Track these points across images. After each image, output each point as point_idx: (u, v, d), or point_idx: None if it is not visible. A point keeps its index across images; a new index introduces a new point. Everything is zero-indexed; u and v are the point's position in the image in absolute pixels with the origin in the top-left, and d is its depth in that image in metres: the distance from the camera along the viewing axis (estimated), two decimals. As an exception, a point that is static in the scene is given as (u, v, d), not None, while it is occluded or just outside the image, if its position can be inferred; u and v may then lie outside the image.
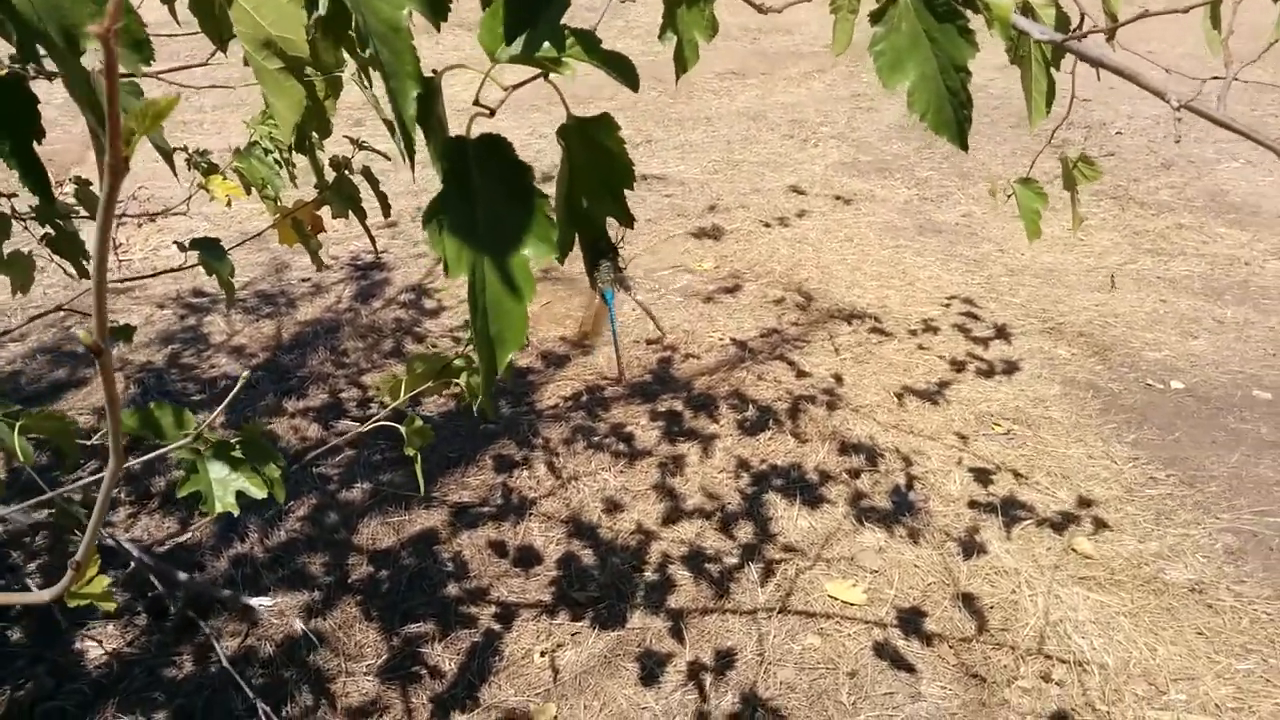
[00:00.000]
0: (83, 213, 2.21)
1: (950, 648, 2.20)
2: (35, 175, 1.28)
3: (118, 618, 2.28)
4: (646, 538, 2.56)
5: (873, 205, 4.95)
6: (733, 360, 3.43)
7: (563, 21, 0.79)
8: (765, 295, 3.95)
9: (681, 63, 1.54)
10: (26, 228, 2.03)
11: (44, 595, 0.67)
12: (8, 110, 1.21)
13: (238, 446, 1.39)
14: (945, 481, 2.76)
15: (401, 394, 1.60)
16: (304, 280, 4.16)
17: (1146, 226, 4.58)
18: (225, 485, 1.37)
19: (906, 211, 4.86)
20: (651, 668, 2.18)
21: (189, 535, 2.57)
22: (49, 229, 2.06)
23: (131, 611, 2.30)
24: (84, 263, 2.14)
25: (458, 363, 1.65)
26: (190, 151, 2.44)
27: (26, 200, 2.03)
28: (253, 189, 2.28)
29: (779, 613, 2.31)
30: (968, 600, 2.33)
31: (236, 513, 1.37)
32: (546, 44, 0.74)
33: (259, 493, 1.37)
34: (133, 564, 2.08)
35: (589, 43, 0.75)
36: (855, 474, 2.81)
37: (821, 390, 3.24)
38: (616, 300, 3.51)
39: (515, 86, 0.85)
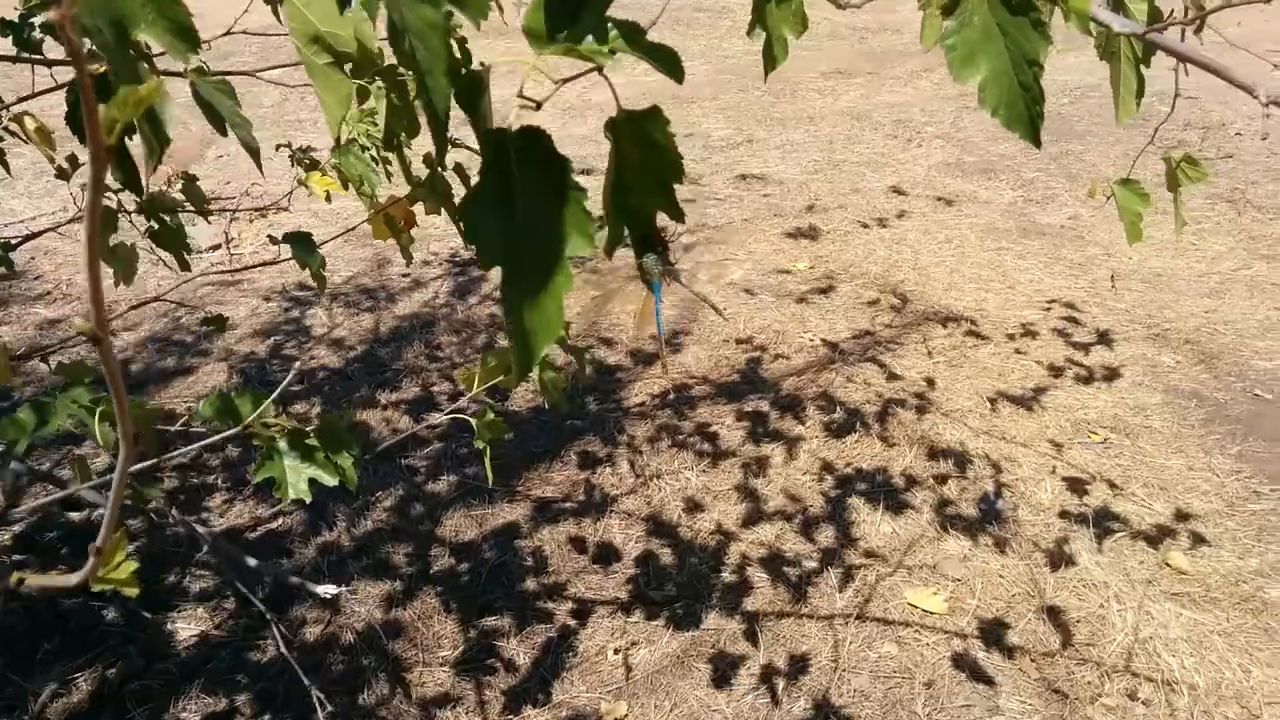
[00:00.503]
0: (189, 208, 2.31)
1: (1032, 661, 2.11)
2: (126, 168, 1.34)
3: (206, 601, 2.37)
4: (726, 539, 2.54)
5: (975, 207, 4.81)
6: (822, 361, 3.38)
7: (609, 12, 0.78)
8: (859, 296, 3.88)
9: (770, 59, 1.52)
10: (132, 221, 2.12)
11: (71, 580, 0.69)
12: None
13: (312, 435, 1.43)
14: (1036, 490, 2.66)
15: (474, 387, 1.62)
16: (403, 275, 4.26)
17: (1263, 231, 4.33)
18: (298, 472, 1.40)
19: (1010, 213, 4.71)
20: (724, 670, 2.16)
21: (279, 523, 2.65)
22: (153, 223, 2.16)
23: (221, 595, 2.39)
24: (185, 255, 2.23)
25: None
26: (294, 149, 2.53)
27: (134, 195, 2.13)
28: (350, 185, 2.34)
29: (856, 619, 2.27)
30: (1053, 613, 2.24)
31: (308, 499, 1.41)
32: (590, 37, 0.73)
33: (330, 480, 1.41)
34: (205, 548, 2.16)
35: (631, 34, 0.74)
36: (942, 480, 2.73)
37: (912, 394, 3.16)
38: (670, 293, 3.49)
39: (565, 80, 0.84)
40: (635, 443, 2.94)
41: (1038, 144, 0.94)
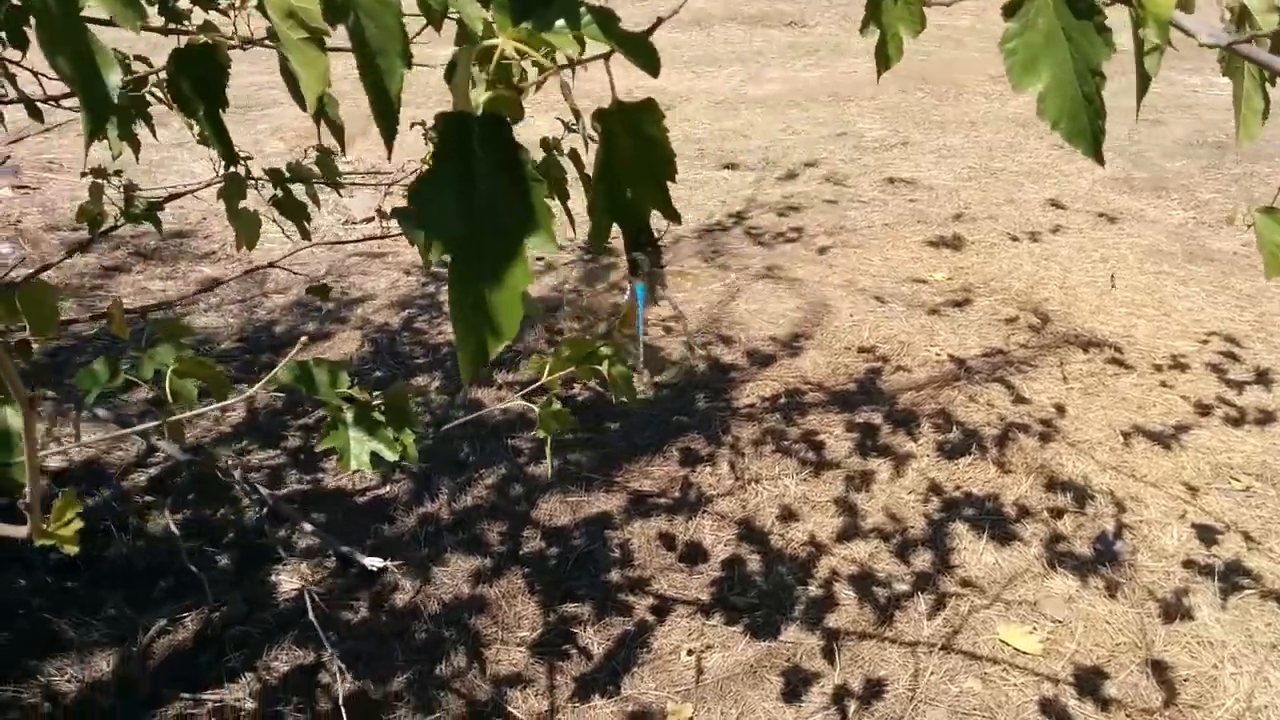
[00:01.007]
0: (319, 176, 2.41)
1: (1128, 717, 1.97)
2: (223, 137, 1.41)
3: (310, 558, 2.48)
4: (817, 551, 2.48)
5: (1139, 226, 4.53)
6: (946, 378, 3.25)
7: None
8: (996, 312, 3.71)
9: (884, 59, 1.46)
10: (258, 188, 2.21)
11: (20, 531, 0.73)
12: (202, 77, 1.32)
13: (379, 409, 1.47)
14: (1160, 535, 2.48)
15: (546, 375, 1.63)
16: (538, 259, 4.33)
17: None
18: (362, 444, 1.45)
19: (1178, 235, 4.41)
20: (796, 685, 2.11)
21: (387, 489, 2.75)
22: (278, 190, 2.26)
23: (323, 554, 2.49)
24: (306, 224, 2.33)
25: (603, 350, 1.66)
26: (426, 126, 2.60)
27: (262, 163, 2.23)
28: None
29: (941, 649, 2.17)
30: (1159, 668, 2.08)
31: (369, 472, 1.45)
32: (561, 21, 0.72)
33: (390, 455, 1.44)
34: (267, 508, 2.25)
35: (606, 22, 0.72)
36: (1058, 514, 2.58)
37: (1038, 420, 3.00)
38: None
39: (562, 67, 0.83)
40: (739, 444, 2.91)
41: (1100, 160, 0.88)
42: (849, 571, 2.41)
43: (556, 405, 1.61)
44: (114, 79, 0.67)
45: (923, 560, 2.44)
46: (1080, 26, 0.86)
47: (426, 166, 0.70)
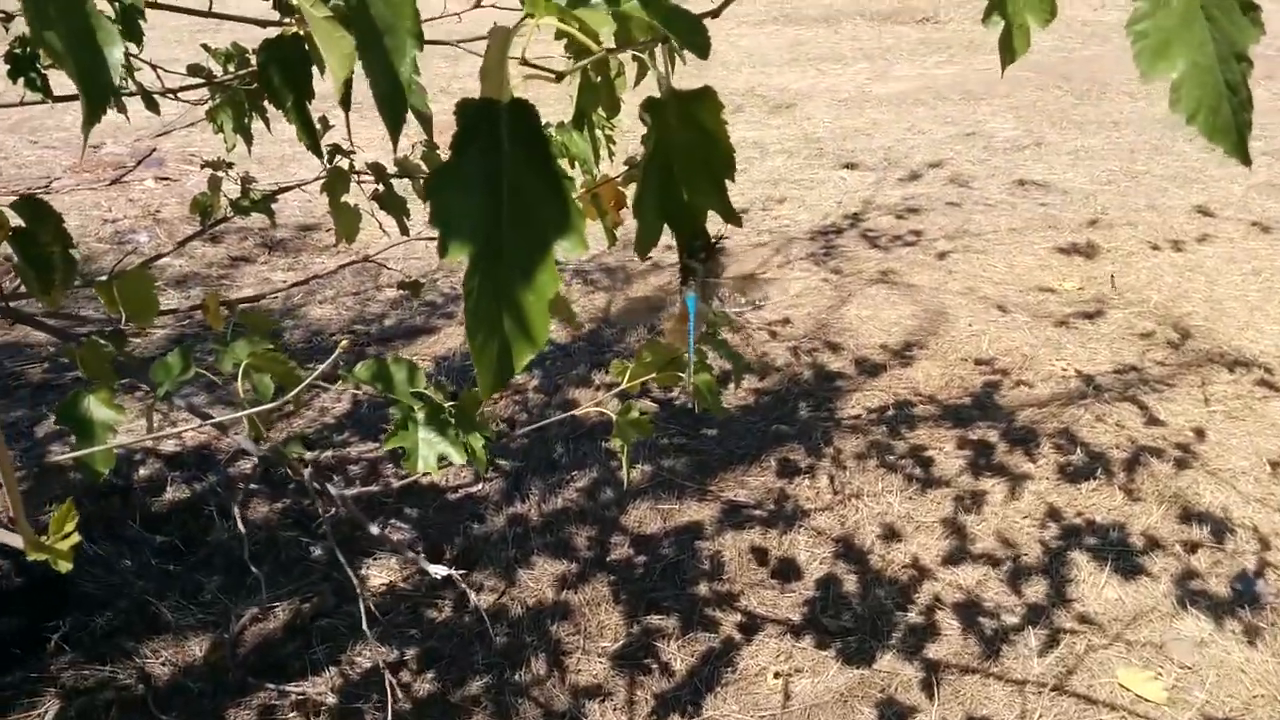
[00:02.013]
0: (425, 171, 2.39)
1: (1261, 784, 1.78)
2: (309, 128, 1.38)
3: (400, 553, 2.47)
4: (920, 575, 2.34)
5: (1297, 235, 4.17)
6: (1071, 395, 3.04)
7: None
8: (1132, 326, 3.46)
9: (1009, 52, 1.33)
10: (360, 183, 2.21)
11: (14, 540, 0.69)
12: (290, 67, 1.30)
13: (450, 413, 1.42)
14: (1308, 579, 2.25)
15: (625, 381, 1.55)
16: (646, 259, 4.27)
17: None
18: (431, 446, 1.40)
19: (1341, 246, 4.05)
20: (890, 718, 1.98)
21: (479, 488, 2.72)
22: (379, 185, 2.25)
23: (413, 550, 2.48)
24: (405, 220, 2.31)
25: (688, 357, 1.57)
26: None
27: (364, 158, 2.23)
28: (574, 163, 2.34)
29: (1052, 690, 2.01)
30: (1300, 731, 1.88)
31: (435, 473, 1.40)
32: None
33: (458, 459, 1.39)
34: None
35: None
36: (1192, 548, 2.37)
37: (1174, 444, 2.77)
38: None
39: (611, 51, 0.75)
40: (841, 457, 2.78)
41: (1247, 160, 0.75)
42: (954, 599, 2.26)
43: (635, 414, 1.53)
44: (116, 55, 0.62)
45: (1036, 591, 2.27)
46: (1222, 4, 0.73)
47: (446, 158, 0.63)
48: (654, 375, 1.57)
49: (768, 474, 2.74)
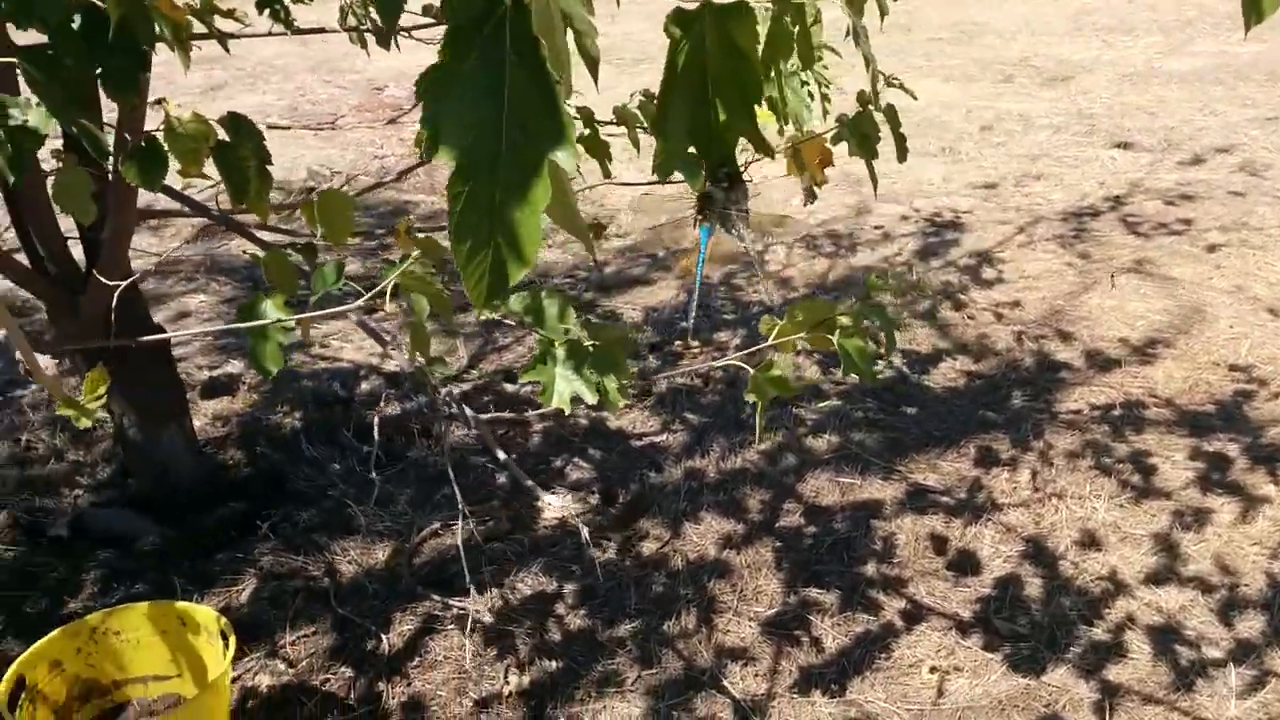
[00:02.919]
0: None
1: None
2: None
3: (577, 490, 2.53)
4: (1115, 589, 2.13)
5: None
6: (1341, 415, 2.65)
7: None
8: None
9: (1255, 11, 1.17)
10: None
11: (50, 368, 0.73)
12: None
13: (591, 351, 1.42)
14: None
15: (772, 338, 1.49)
16: (876, 228, 4.11)
17: None
18: (568, 383, 1.40)
19: None
20: (1050, 736, 1.82)
21: (664, 437, 2.73)
22: (586, 130, 2.28)
23: (589, 489, 2.53)
24: (607, 163, 2.33)
25: (843, 320, 1.48)
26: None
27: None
28: (787, 120, 2.27)
29: (1247, 739, 1.78)
30: None
31: (568, 411, 1.41)
32: None
33: (589, 398, 1.39)
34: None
35: None
36: None
37: None
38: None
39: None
40: (1049, 453, 2.56)
41: None
42: (1150, 620, 2.04)
43: (777, 370, 1.46)
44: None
45: (1250, 626, 2.01)
46: None
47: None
48: (804, 335, 1.49)
49: (964, 461, 2.57)
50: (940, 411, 2.78)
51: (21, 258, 2.08)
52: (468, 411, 1.52)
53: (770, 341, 1.49)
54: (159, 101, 1.61)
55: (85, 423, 0.77)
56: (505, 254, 0.61)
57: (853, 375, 1.45)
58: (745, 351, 1.57)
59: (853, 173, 4.08)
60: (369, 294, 1.30)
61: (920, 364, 3.01)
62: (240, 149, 1.52)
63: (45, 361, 0.77)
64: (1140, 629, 2.03)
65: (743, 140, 0.73)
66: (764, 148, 0.71)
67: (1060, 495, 2.41)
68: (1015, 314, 3.27)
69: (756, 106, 0.71)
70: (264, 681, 1.96)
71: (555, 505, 1.48)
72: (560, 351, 1.42)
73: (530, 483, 1.51)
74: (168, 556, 2.28)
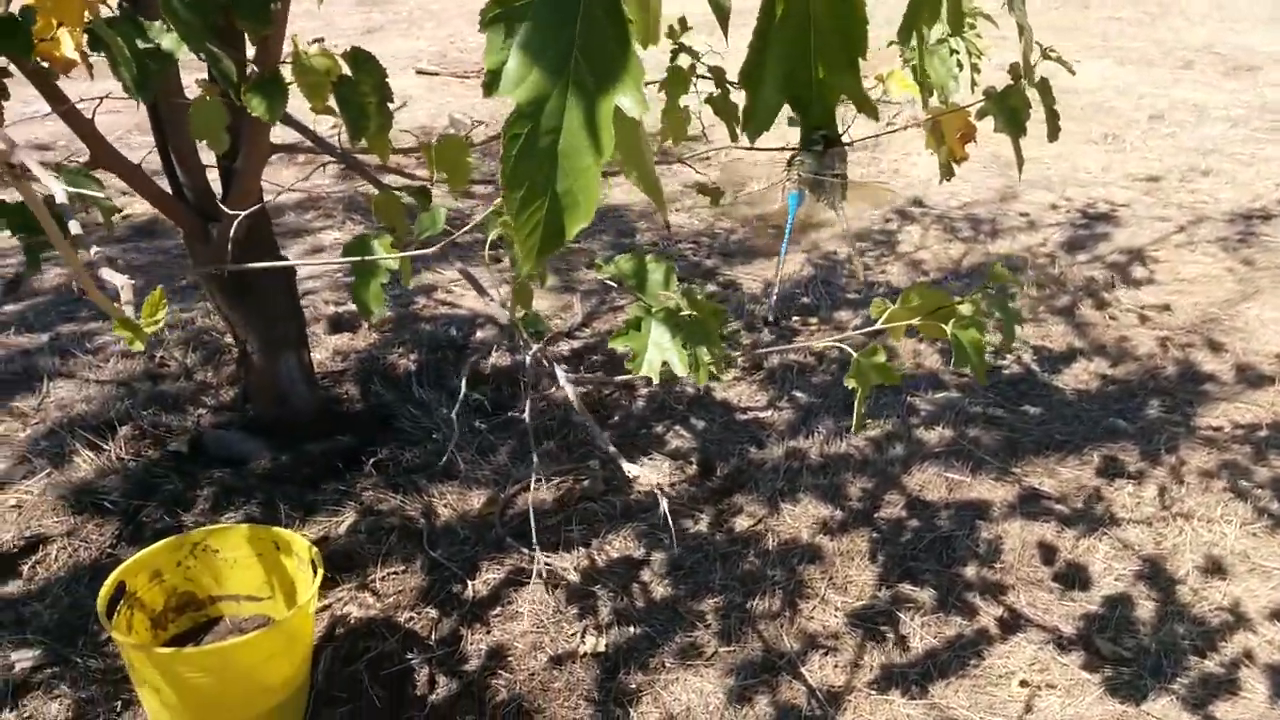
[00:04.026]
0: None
1: None
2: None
3: (675, 459, 2.50)
4: (1236, 622, 1.98)
5: None
6: None
7: None
8: None
9: None
10: (697, 88, 2.19)
11: (125, 288, 0.73)
12: None
13: (686, 320, 1.38)
14: None
15: (881, 321, 1.42)
16: (1021, 214, 3.91)
17: None
18: (660, 350, 1.37)
19: None
20: (1144, 769, 1.71)
21: (770, 414, 2.68)
22: (717, 89, 2.22)
23: (686, 459, 2.50)
24: (735, 125, 2.27)
25: (963, 309, 1.40)
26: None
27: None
28: (931, 91, 2.17)
29: (1367, 803, 1.63)
30: None
31: (656, 380, 1.37)
32: None
33: (680, 370, 1.35)
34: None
35: None
36: None
37: None
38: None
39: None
40: (1181, 469, 2.40)
41: None
42: (1270, 659, 1.89)
43: (881, 357, 1.39)
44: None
45: (1387, 681, 1.84)
46: None
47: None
48: (916, 321, 1.41)
49: (1085, 469, 2.43)
50: (1066, 414, 2.63)
51: (163, 182, 2.17)
52: (559, 371, 1.51)
53: (878, 325, 1.42)
54: (318, 40, 1.64)
55: (139, 345, 0.78)
56: (564, 205, 0.58)
57: (1008, 356, 1.36)
58: (840, 336, 1.50)
59: (1002, 154, 3.88)
60: (458, 232, 1.29)
61: (1051, 362, 2.85)
62: (361, 85, 1.53)
63: (121, 280, 0.79)
64: (1258, 667, 1.88)
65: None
66: (868, 108, 0.65)
67: (1187, 516, 2.25)
68: (1162, 318, 3.07)
69: (861, 61, 0.66)
70: (352, 612, 2.02)
71: (639, 475, 1.45)
72: (655, 318, 1.39)
73: (613, 449, 1.48)
74: (277, 481, 2.37)
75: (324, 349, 2.94)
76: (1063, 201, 4.00)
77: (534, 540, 1.96)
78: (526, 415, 1.70)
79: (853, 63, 0.62)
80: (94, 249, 0.77)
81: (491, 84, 0.56)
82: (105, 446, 2.39)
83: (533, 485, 1.99)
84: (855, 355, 1.39)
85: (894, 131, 3.26)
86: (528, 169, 0.57)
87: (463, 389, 2.17)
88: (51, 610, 1.91)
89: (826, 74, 0.62)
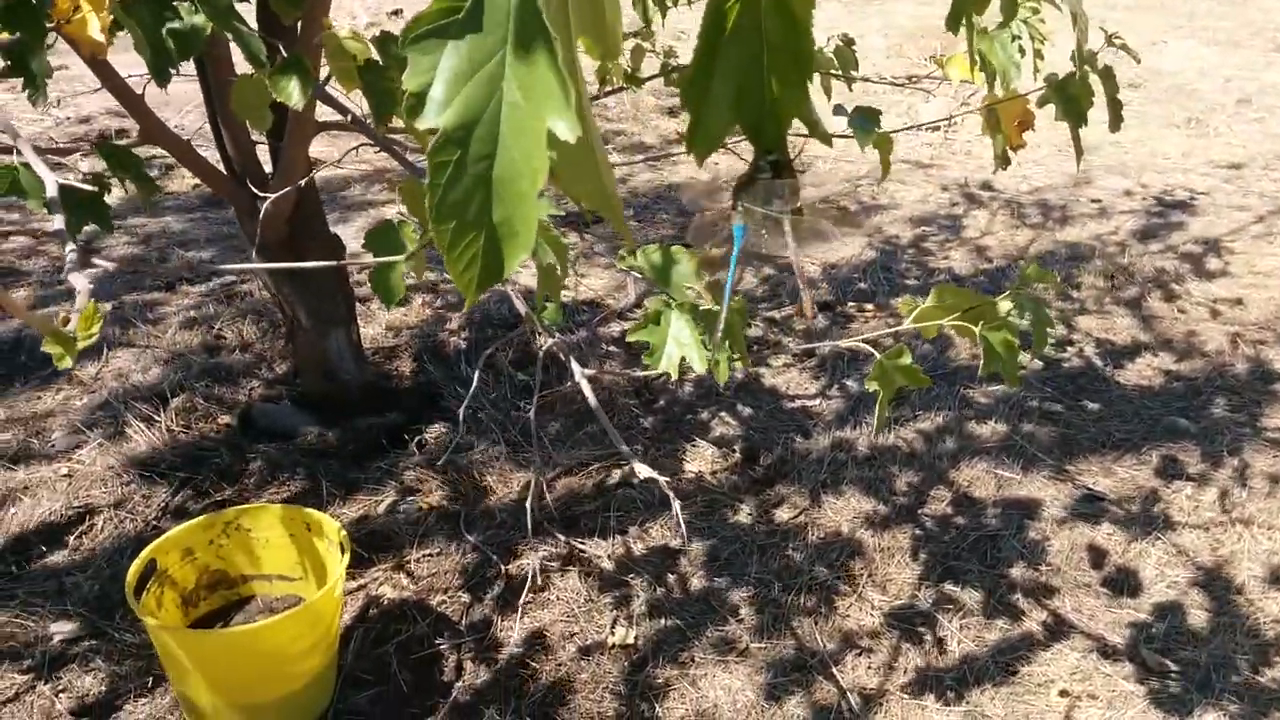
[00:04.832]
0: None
1: None
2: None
3: (719, 447, 2.47)
4: (1295, 638, 1.89)
5: None
6: None
7: None
8: None
9: None
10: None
11: (82, 294, 0.72)
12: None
13: (705, 315, 1.35)
14: None
15: (910, 321, 1.37)
16: (1094, 201, 3.78)
17: None
18: (679, 346, 1.34)
19: None
20: (1185, 788, 1.65)
21: (817, 403, 2.63)
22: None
23: (729, 446, 2.47)
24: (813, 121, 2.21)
25: (1003, 304, 1.34)
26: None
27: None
28: (992, 77, 2.10)
29: None
30: None
31: (674, 376, 1.35)
32: None
33: (698, 367, 1.32)
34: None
35: None
36: None
37: None
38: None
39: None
40: (1246, 472, 2.30)
41: None
42: (1330, 680, 1.81)
43: (906, 359, 1.35)
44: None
45: None
46: None
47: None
48: (948, 321, 1.36)
49: (1143, 469, 2.34)
50: (1125, 411, 2.53)
51: (215, 157, 2.20)
52: (573, 363, 1.49)
53: (907, 324, 1.37)
54: (397, 12, 1.63)
55: (66, 363, 0.76)
56: (501, 235, 0.55)
57: (1035, 360, 1.31)
58: (872, 334, 1.45)
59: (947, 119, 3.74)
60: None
61: (1114, 356, 2.75)
62: (390, 69, 1.52)
63: (81, 284, 0.78)
64: (1317, 688, 1.80)
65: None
66: (819, 133, 0.61)
67: (1248, 522, 2.16)
68: (1235, 313, 2.93)
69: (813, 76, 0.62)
70: (386, 593, 2.04)
71: (645, 473, 1.42)
72: (676, 312, 1.36)
73: (625, 448, 1.45)
74: (322, 456, 2.40)
75: (377, 324, 2.97)
76: (1138, 188, 3.84)
77: (551, 527, 1.95)
78: (533, 413, 1.69)
79: (802, 82, 0.58)
80: (69, 248, 0.77)
81: (415, 108, 0.53)
82: (157, 418, 2.44)
83: (534, 480, 1.97)
84: (879, 356, 1.34)
85: (954, 117, 3.16)
86: (458, 201, 0.54)
87: (530, 374, 2.16)
88: (93, 581, 1.96)
89: (781, 92, 0.58)
